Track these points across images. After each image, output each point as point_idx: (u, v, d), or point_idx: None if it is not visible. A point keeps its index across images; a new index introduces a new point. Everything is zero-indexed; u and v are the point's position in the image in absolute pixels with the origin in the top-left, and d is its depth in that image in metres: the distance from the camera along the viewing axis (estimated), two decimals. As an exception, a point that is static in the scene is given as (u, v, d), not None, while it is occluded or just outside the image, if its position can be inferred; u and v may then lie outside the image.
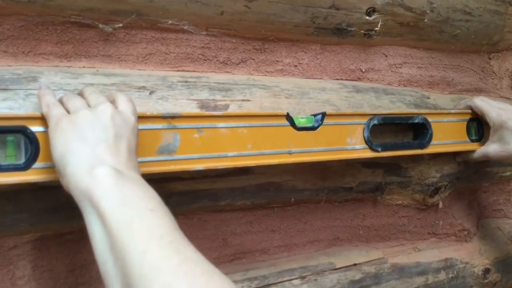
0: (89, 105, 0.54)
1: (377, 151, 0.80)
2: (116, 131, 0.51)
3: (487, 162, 1.04)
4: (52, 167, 0.53)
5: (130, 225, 0.44)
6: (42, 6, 0.63)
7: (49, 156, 0.53)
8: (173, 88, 0.71)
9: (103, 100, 0.54)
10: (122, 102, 0.56)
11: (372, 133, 0.81)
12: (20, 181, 0.53)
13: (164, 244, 0.42)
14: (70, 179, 0.48)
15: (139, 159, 0.59)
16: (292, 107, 0.80)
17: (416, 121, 0.86)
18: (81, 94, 0.58)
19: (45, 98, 0.56)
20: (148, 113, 0.62)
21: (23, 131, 0.54)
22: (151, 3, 0.69)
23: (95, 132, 0.50)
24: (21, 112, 0.58)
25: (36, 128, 0.55)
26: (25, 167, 0.54)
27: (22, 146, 0.55)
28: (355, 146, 0.78)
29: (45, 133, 0.54)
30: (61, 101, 0.56)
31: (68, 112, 0.54)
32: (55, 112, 0.53)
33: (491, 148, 0.92)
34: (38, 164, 0.54)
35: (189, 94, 0.72)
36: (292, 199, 0.84)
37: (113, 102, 0.56)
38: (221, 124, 0.67)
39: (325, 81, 0.90)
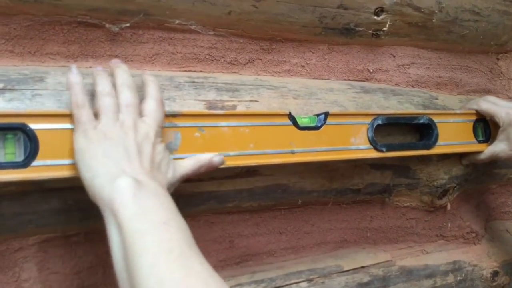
0: (118, 104, 0.56)
1: (382, 151, 0.79)
2: (138, 149, 0.54)
3: (495, 163, 1.03)
4: (50, 165, 0.54)
5: (142, 237, 0.46)
6: (49, 5, 0.63)
7: (48, 154, 0.54)
8: (180, 88, 0.71)
9: (130, 112, 0.56)
10: (149, 108, 0.58)
11: (380, 135, 0.80)
12: (18, 179, 0.53)
13: (172, 258, 0.45)
14: (96, 190, 0.51)
15: None
16: (300, 107, 0.79)
17: (421, 121, 0.85)
18: (112, 76, 0.58)
19: (75, 96, 0.55)
20: None
21: (22, 129, 0.53)
22: (158, 3, 0.68)
23: (119, 148, 0.53)
24: (21, 109, 0.58)
25: (35, 125, 0.54)
26: (24, 164, 0.53)
27: (21, 143, 0.54)
28: (359, 146, 0.77)
29: (45, 130, 0.54)
30: (93, 83, 0.57)
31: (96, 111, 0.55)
32: (83, 119, 0.54)
33: (499, 147, 0.90)
34: (37, 161, 0.53)
35: (196, 94, 0.71)
36: (299, 201, 0.84)
37: (142, 101, 0.58)
38: (222, 123, 0.66)
39: (333, 82, 0.89)
